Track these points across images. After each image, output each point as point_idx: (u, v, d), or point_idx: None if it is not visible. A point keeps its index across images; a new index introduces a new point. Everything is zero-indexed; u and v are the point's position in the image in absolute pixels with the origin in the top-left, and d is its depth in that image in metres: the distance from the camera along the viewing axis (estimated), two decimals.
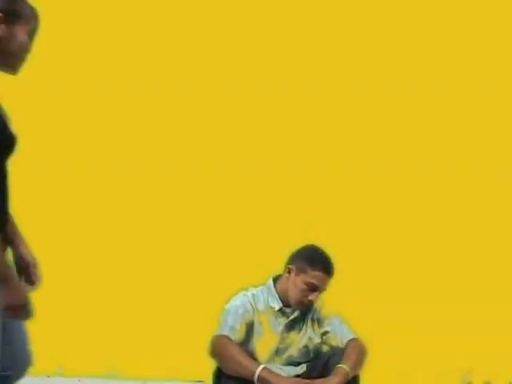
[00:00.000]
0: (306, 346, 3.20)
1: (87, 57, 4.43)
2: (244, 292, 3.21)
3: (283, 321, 3.19)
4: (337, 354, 3.07)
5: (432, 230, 4.40)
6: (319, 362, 3.13)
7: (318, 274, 3.12)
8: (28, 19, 2.17)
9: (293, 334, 3.20)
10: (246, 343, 3.10)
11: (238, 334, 3.06)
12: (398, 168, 4.39)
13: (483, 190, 4.40)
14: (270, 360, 3.14)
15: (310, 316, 3.24)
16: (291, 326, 3.20)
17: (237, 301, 3.17)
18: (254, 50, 4.38)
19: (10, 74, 2.18)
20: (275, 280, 3.25)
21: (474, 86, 4.41)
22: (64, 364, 3.81)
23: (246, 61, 4.39)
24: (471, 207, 4.41)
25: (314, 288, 3.12)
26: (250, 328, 3.12)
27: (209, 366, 3.16)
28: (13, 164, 2.00)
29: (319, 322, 3.23)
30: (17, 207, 2.04)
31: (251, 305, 3.16)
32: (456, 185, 4.39)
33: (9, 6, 2.12)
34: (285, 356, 3.18)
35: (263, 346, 3.14)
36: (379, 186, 4.38)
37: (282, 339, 3.18)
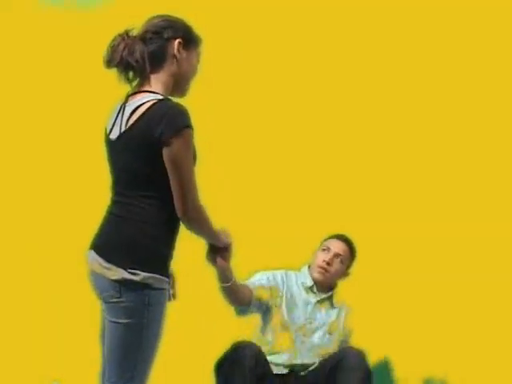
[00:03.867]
0: (330, 333, 3.30)
1: None
2: (283, 271, 3.39)
3: (313, 298, 3.32)
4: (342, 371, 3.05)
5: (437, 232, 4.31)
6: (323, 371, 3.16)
7: (333, 239, 3.38)
8: (198, 43, 2.38)
9: (319, 317, 3.31)
10: (269, 311, 3.24)
11: (260, 287, 3.22)
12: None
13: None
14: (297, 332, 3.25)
15: (337, 312, 3.36)
16: (320, 306, 3.33)
17: (267, 271, 3.35)
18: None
19: (178, 97, 2.35)
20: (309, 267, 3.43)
21: (475, 86, 4.34)
22: (60, 378, 3.78)
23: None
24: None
25: (329, 250, 3.33)
26: (274, 293, 3.27)
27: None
28: None
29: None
30: None
31: (282, 278, 3.34)
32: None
33: (186, 33, 2.32)
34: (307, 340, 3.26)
35: (291, 318, 3.26)
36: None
37: (310, 321, 3.29)
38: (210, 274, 2.81)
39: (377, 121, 4.31)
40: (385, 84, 4.30)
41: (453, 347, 4.08)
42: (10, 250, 4.12)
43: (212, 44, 4.02)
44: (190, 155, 2.20)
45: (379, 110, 4.32)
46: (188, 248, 2.47)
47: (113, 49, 2.25)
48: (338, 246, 3.33)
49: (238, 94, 4.21)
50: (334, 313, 3.34)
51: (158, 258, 2.22)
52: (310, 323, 3.28)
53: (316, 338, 3.26)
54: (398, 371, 4.02)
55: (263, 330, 3.25)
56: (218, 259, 2.60)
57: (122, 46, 2.24)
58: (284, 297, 3.27)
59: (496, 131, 4.30)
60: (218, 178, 3.99)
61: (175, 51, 2.29)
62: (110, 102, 2.40)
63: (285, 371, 3.20)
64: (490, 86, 4.29)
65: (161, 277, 2.22)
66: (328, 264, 3.29)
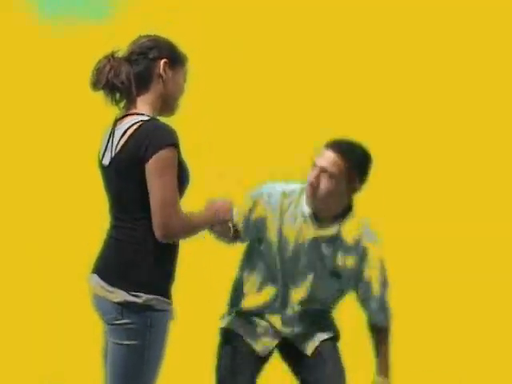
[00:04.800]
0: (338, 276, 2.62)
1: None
2: (283, 187, 2.66)
3: (312, 232, 2.58)
4: None
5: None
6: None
7: (322, 148, 2.56)
8: (184, 62, 2.35)
9: (318, 259, 2.61)
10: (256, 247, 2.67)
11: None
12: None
13: None
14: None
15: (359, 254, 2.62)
16: (323, 244, 2.60)
17: (271, 194, 2.63)
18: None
19: (167, 116, 2.33)
20: None
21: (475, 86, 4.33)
22: (60, 379, 3.79)
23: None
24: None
25: (314, 165, 2.54)
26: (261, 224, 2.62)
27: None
28: None
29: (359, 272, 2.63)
30: None
31: (275, 206, 2.62)
32: None
33: (171, 52, 2.30)
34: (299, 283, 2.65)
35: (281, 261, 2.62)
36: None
37: (304, 264, 2.61)
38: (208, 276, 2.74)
39: (381, 123, 4.34)
40: (386, 84, 4.31)
41: (453, 348, 4.11)
42: (12, 259, 4.21)
43: (211, 44, 4.09)
44: (169, 173, 2.15)
45: (385, 112, 4.36)
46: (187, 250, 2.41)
47: (98, 71, 2.24)
48: (324, 158, 2.50)
49: (243, 96, 4.23)
50: (351, 252, 2.60)
51: (158, 279, 2.24)
52: (304, 267, 2.61)
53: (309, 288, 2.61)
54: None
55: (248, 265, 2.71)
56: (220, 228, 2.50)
57: (107, 68, 2.23)
58: (274, 233, 2.60)
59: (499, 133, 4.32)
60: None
61: (161, 71, 2.28)
62: (108, 111, 2.37)
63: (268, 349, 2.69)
64: (492, 88, 4.29)
65: (163, 298, 2.24)
66: (312, 186, 2.50)
